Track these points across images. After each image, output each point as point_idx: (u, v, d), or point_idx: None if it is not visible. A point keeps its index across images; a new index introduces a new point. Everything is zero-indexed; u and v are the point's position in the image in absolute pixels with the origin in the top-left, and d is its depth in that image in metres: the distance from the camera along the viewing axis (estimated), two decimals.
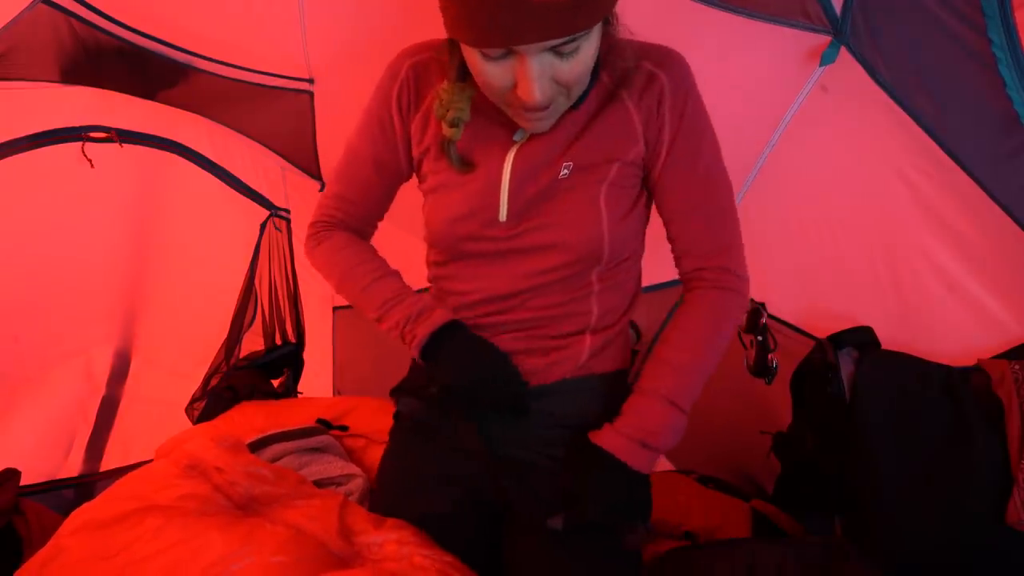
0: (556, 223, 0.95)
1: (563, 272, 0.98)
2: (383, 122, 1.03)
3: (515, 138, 0.97)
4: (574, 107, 0.93)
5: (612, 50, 0.94)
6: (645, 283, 1.10)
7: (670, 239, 1.03)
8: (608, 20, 0.89)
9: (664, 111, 0.94)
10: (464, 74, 0.93)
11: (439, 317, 1.00)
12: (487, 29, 0.77)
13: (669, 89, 0.93)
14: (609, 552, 0.98)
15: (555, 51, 0.81)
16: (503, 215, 0.96)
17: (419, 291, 1.14)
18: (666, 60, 0.95)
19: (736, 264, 0.99)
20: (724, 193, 0.99)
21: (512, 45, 0.78)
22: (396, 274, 1.08)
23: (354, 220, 1.12)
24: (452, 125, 0.95)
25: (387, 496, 1.15)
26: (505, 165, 0.95)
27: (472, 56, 0.85)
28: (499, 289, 1.00)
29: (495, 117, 0.95)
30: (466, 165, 0.97)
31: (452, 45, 0.93)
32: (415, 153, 1.04)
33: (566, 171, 0.95)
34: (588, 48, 0.83)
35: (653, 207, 1.05)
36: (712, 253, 0.99)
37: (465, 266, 1.03)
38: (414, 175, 1.10)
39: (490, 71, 0.83)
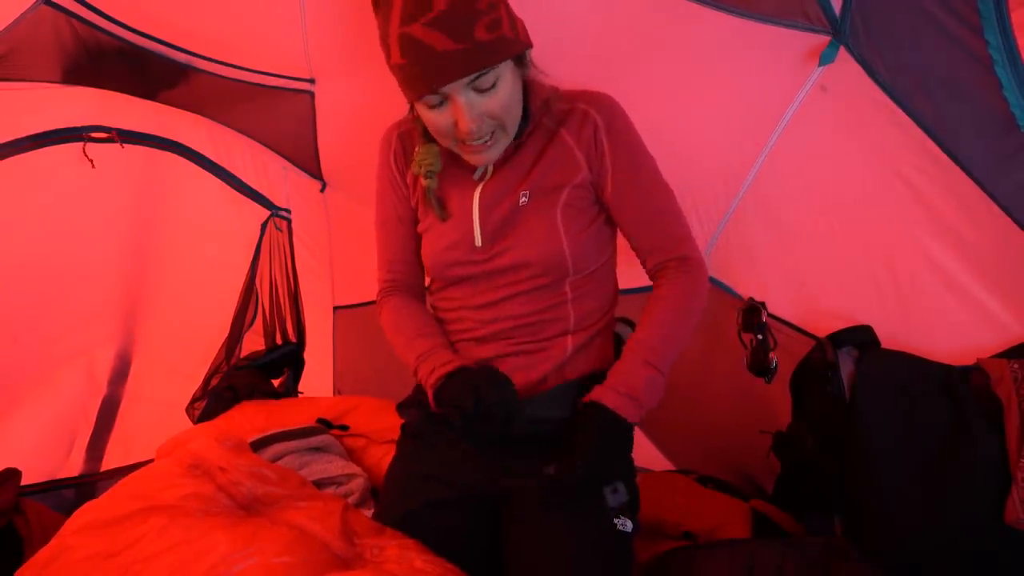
0: (522, 244, 1.13)
1: (536, 282, 1.14)
2: (389, 182, 1.26)
3: (475, 177, 1.17)
4: (519, 143, 1.14)
5: (549, 98, 1.14)
6: (641, 285, 1.14)
7: (632, 246, 1.21)
8: (523, 64, 1.08)
9: (601, 140, 1.13)
10: (431, 136, 1.13)
11: (445, 368, 1.12)
12: (416, 83, 1.00)
13: (602, 123, 1.13)
14: (600, 529, 1.08)
15: (474, 89, 1.01)
16: (478, 240, 1.16)
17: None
18: (596, 101, 1.15)
19: (691, 251, 1.18)
20: (667, 196, 1.19)
21: (436, 88, 0.99)
22: (435, 333, 1.22)
23: (405, 276, 1.30)
24: (427, 177, 1.17)
25: (389, 497, 1.21)
26: (474, 199, 1.16)
27: (422, 111, 1.06)
28: (480, 301, 1.17)
29: (463, 165, 1.16)
30: (444, 211, 1.19)
31: (414, 112, 1.13)
32: (413, 203, 1.25)
33: (524, 198, 1.14)
34: (504, 85, 1.03)
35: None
36: (670, 247, 1.17)
37: (454, 289, 1.21)
38: None
39: (435, 118, 1.05)
